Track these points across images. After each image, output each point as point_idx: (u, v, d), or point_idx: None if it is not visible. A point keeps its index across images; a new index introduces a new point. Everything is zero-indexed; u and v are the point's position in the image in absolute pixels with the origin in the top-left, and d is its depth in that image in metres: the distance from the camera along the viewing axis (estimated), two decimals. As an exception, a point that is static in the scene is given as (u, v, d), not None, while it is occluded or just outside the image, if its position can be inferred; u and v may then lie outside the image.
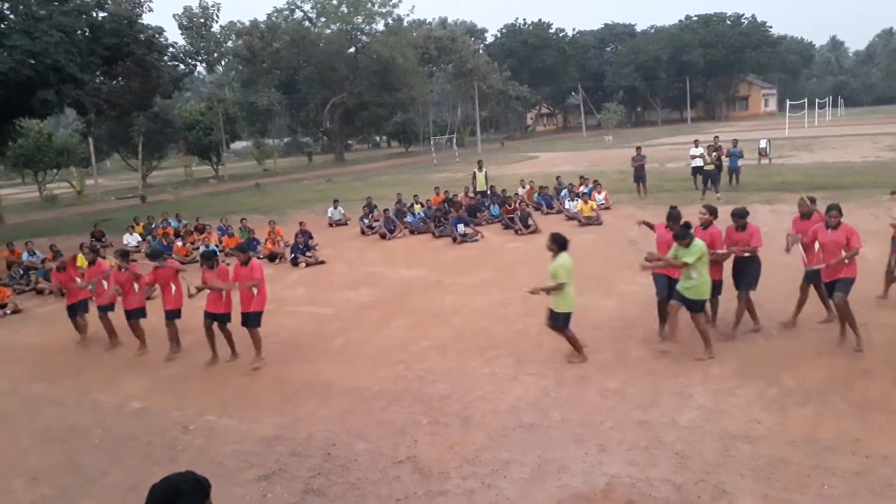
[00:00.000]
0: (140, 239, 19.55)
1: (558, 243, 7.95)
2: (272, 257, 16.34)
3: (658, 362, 7.77)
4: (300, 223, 17.71)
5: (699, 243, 7.60)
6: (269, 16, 61.65)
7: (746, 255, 8.15)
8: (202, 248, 15.49)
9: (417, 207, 19.73)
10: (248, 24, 59.08)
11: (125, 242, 18.93)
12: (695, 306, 7.70)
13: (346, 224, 21.10)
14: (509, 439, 6.24)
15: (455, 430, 6.51)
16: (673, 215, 8.31)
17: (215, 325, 8.92)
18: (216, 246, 17.42)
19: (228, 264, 11.33)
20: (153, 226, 20.49)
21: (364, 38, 62.61)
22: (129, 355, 9.78)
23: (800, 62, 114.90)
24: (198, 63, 49.70)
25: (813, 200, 8.71)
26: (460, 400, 7.21)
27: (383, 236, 18.15)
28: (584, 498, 5.20)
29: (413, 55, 60.61)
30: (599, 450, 5.92)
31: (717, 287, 8.15)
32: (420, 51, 64.47)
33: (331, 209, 21.64)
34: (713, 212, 8.39)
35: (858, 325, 7.56)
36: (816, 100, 65.70)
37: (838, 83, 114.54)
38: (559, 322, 7.86)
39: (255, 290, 8.62)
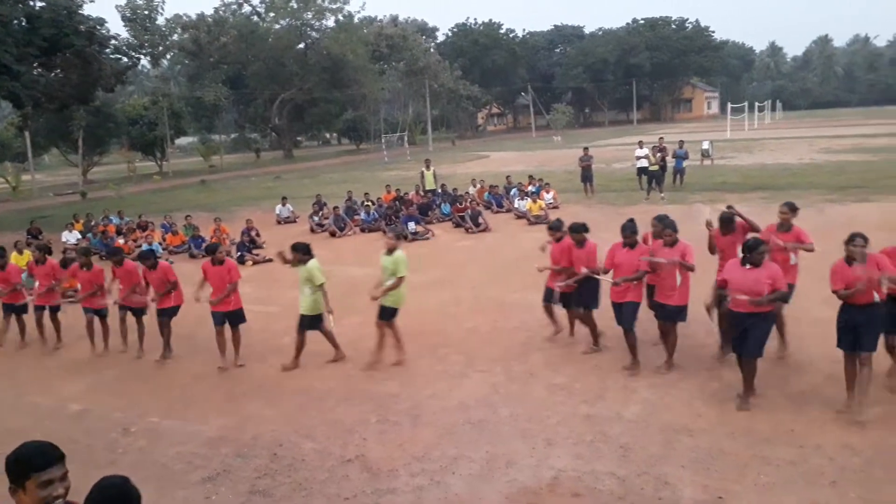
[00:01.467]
0: (80, 236, 18.91)
1: (301, 251, 8.30)
2: (219, 255, 16.03)
3: (604, 358, 7.93)
4: (247, 221, 17.44)
5: (398, 255, 7.85)
6: (216, 9, 60.35)
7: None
8: (144, 246, 15.12)
9: (370, 206, 19.62)
10: (194, 17, 57.79)
11: (64, 240, 18.28)
12: (385, 314, 7.95)
13: (294, 222, 20.86)
14: (458, 436, 6.29)
15: (404, 428, 6.52)
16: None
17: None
18: (159, 244, 17.04)
19: (172, 262, 11.12)
20: (93, 223, 19.84)
21: (314, 34, 61.90)
22: (68, 356, 9.48)
23: (741, 66, 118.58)
24: (141, 56, 48.29)
25: (662, 220, 7.63)
26: (410, 398, 7.22)
27: (333, 234, 18.02)
28: (532, 492, 5.27)
29: (364, 52, 60.18)
30: (547, 444, 6.01)
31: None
32: (371, 48, 64.06)
33: (279, 206, 21.36)
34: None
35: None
36: (756, 103, 67.93)
37: (777, 87, 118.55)
38: (314, 324, 8.24)
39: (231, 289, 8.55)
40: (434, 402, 7.09)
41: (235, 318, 8.62)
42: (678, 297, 7.23)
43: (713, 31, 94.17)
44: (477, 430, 6.38)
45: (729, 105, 58.62)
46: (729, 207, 7.98)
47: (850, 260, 6.06)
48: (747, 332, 6.36)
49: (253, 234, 16.76)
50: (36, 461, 2.49)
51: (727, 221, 7.67)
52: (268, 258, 15.55)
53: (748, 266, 6.34)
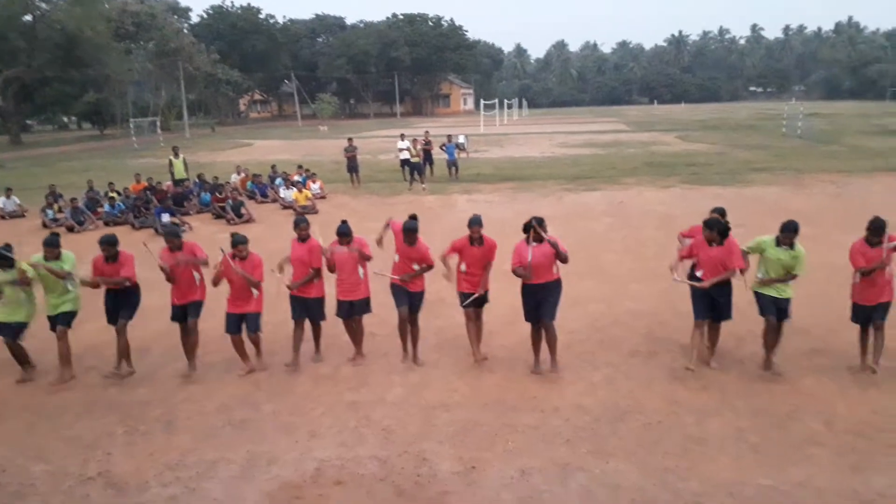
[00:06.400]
0: None
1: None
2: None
3: (367, 345, 7.97)
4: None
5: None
6: (-89, -31, 50.44)
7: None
8: None
9: (115, 198, 17.83)
10: None
11: None
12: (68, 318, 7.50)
13: (23, 216, 18.34)
14: (217, 438, 5.99)
15: (156, 437, 6.05)
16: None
17: None
18: None
19: None
20: None
21: (43, 5, 54.47)
22: None
23: (491, 65, 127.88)
24: None
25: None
26: (163, 404, 6.72)
27: (71, 229, 16.12)
28: (294, 486, 5.20)
29: (105, 29, 54.18)
30: (310, 436, 5.96)
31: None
32: (114, 25, 58.03)
33: (3, 199, 18.60)
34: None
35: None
36: (506, 100, 73.63)
37: (523, 86, 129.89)
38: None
39: None
40: (190, 405, 6.67)
41: None
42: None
43: (467, 31, 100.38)
44: (238, 431, 6.13)
45: (482, 102, 62.85)
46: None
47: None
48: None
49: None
50: None
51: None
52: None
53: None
